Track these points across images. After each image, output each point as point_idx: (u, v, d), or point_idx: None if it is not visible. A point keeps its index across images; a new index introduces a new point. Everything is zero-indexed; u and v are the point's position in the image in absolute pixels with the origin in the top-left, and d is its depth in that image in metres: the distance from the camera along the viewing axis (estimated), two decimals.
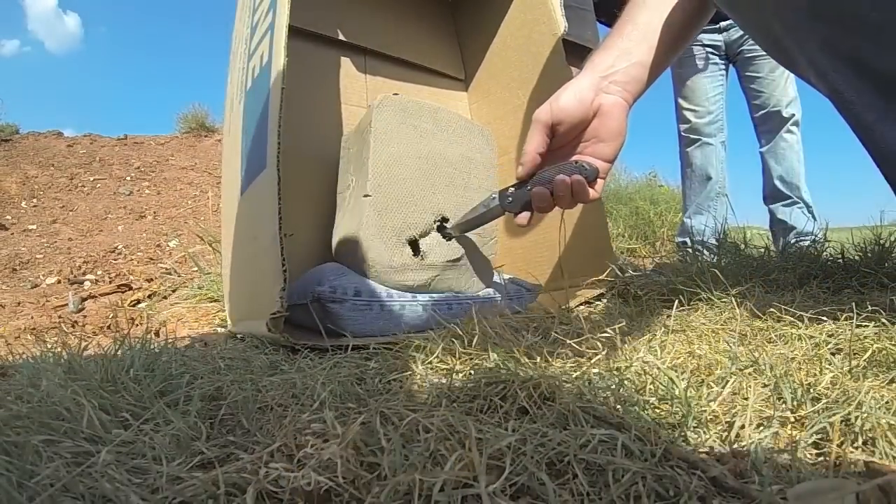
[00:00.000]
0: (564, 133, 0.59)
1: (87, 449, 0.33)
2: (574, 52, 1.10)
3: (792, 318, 0.53)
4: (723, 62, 1.53)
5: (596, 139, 0.59)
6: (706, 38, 1.50)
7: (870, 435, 0.31)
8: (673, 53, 0.60)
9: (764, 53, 1.40)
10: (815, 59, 0.43)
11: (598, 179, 0.59)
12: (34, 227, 2.32)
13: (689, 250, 1.23)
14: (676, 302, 0.61)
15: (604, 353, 0.48)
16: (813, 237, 1.18)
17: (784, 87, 1.43)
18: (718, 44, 1.51)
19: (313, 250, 0.95)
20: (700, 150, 1.52)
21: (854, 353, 0.44)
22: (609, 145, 0.58)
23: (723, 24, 1.49)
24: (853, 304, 0.50)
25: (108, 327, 1.14)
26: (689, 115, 1.53)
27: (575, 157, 0.59)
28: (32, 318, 1.22)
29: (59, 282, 1.66)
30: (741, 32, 1.42)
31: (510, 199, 0.65)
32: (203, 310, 1.17)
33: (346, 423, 0.33)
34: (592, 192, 0.58)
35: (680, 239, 1.58)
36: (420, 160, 0.85)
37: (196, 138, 3.70)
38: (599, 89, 0.57)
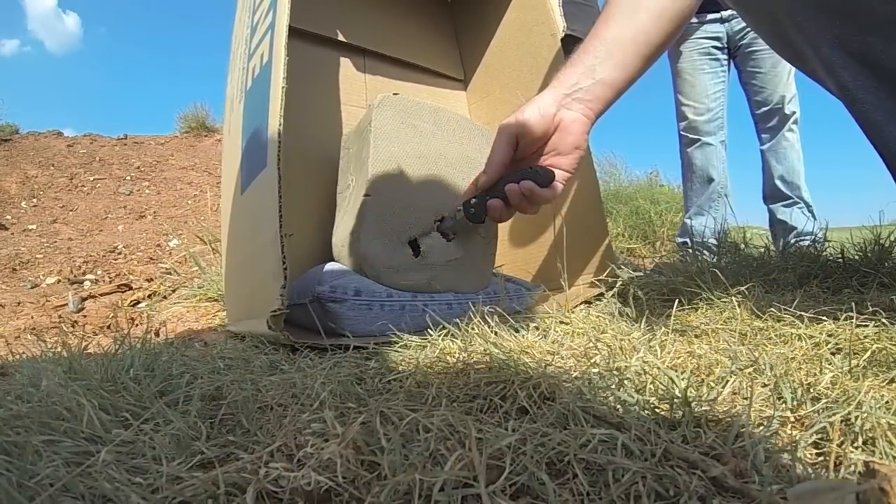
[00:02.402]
0: (527, 145, 0.62)
1: (87, 449, 0.33)
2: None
3: (792, 318, 0.53)
4: (724, 57, 1.52)
5: (555, 152, 0.62)
6: (708, 28, 1.49)
7: (870, 435, 0.31)
8: (644, 66, 0.61)
9: (765, 48, 1.40)
10: (824, 55, 0.43)
11: (556, 183, 0.62)
12: (34, 227, 2.32)
13: (690, 250, 1.23)
14: (676, 302, 0.61)
15: (604, 353, 0.48)
16: (813, 237, 1.18)
17: (786, 83, 1.42)
18: (720, 35, 1.49)
19: (313, 250, 0.95)
20: (700, 151, 1.51)
21: (854, 353, 0.44)
22: (567, 158, 0.62)
23: (724, 13, 1.47)
24: (853, 304, 0.50)
25: (108, 327, 1.14)
26: (687, 111, 1.52)
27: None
28: (32, 318, 1.22)
29: (59, 282, 1.66)
30: (744, 23, 1.41)
31: (472, 209, 0.67)
32: (203, 310, 1.17)
33: (346, 423, 0.33)
34: (546, 193, 0.61)
35: (681, 239, 1.58)
36: (420, 160, 0.85)
37: (196, 138, 3.70)
38: (561, 105, 0.60)
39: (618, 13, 0.59)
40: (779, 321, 0.55)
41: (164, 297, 1.36)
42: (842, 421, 0.33)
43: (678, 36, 0.64)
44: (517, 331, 0.58)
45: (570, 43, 1.07)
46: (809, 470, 0.28)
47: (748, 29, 1.42)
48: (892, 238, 0.83)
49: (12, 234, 2.23)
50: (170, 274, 1.54)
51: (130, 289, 1.50)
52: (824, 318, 0.52)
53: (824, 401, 0.36)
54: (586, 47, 0.60)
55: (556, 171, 0.61)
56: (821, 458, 0.30)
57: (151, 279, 1.60)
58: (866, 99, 0.42)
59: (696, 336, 0.54)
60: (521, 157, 0.64)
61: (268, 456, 0.29)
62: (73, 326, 1.15)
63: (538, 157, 0.63)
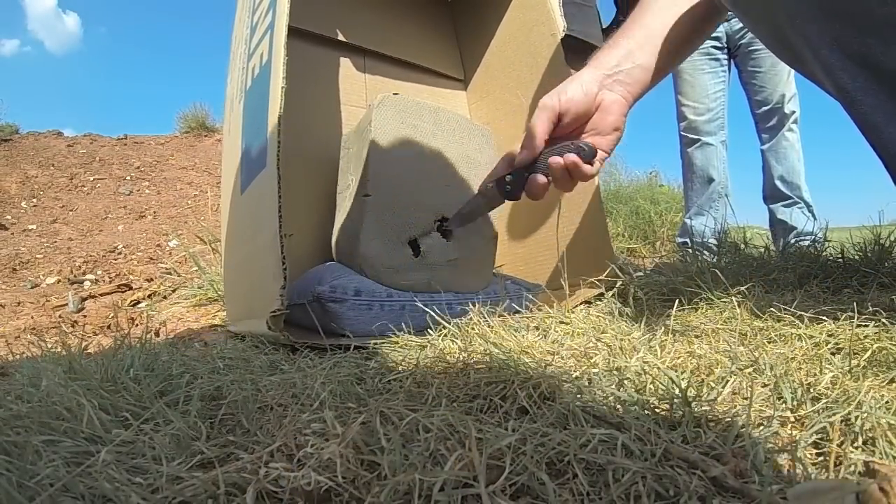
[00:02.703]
0: (569, 123, 0.60)
1: (87, 449, 0.33)
2: (579, 50, 1.09)
3: (792, 318, 0.53)
4: (724, 57, 1.52)
5: (594, 131, 0.61)
6: None
7: (870, 435, 0.31)
8: (678, 57, 0.61)
9: (765, 47, 1.40)
10: (823, 57, 0.43)
11: (596, 161, 0.61)
12: (34, 227, 2.32)
13: (690, 250, 1.23)
14: (676, 302, 0.61)
15: (604, 353, 0.48)
16: (813, 237, 1.18)
17: (786, 83, 1.42)
18: (719, 34, 1.49)
19: (313, 250, 0.95)
20: (701, 151, 1.51)
21: (854, 353, 0.44)
22: (606, 139, 0.61)
23: None
24: (853, 304, 0.50)
25: (108, 327, 1.14)
26: (687, 111, 1.52)
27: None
28: (32, 318, 1.22)
29: (59, 282, 1.66)
30: None
31: (509, 186, 0.65)
32: (203, 310, 1.17)
33: (346, 423, 0.33)
34: (589, 168, 0.60)
35: (681, 239, 1.58)
36: (420, 160, 0.85)
37: (196, 138, 3.70)
38: (603, 86, 0.60)
39: (657, 3, 0.59)
40: (779, 321, 0.55)
41: (164, 297, 1.36)
42: (842, 421, 0.33)
43: (711, 31, 0.64)
44: (517, 331, 0.58)
45: (572, 44, 1.07)
46: (809, 470, 0.28)
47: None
48: (892, 238, 0.83)
49: (12, 234, 2.23)
50: (170, 274, 1.54)
51: (130, 289, 1.50)
52: (824, 318, 0.52)
53: (824, 401, 0.36)
54: (625, 32, 0.60)
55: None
56: (821, 458, 0.30)
57: (151, 279, 1.60)
58: (865, 101, 0.41)
59: (696, 336, 0.54)
60: (558, 135, 0.62)
61: (268, 456, 0.29)
62: (73, 326, 1.16)
63: (577, 137, 0.62)
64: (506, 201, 0.69)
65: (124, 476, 0.28)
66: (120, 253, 1.98)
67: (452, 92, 1.33)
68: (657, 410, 0.36)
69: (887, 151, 0.42)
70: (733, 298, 0.60)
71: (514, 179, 0.64)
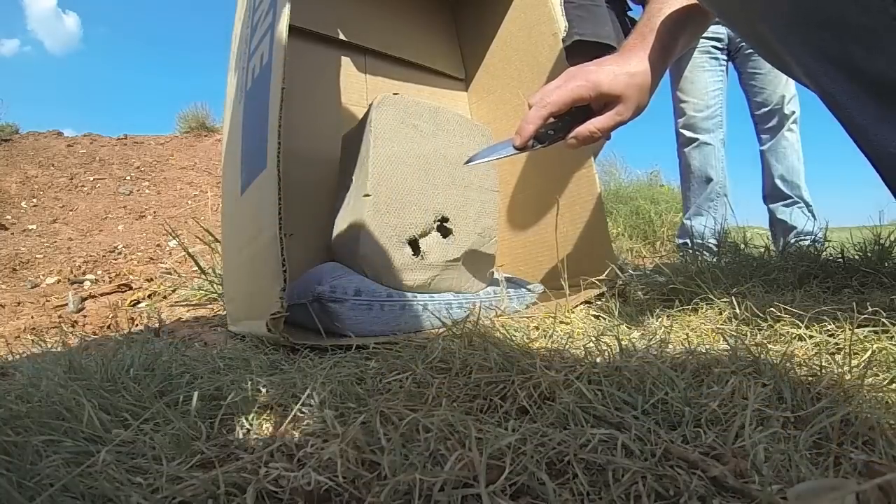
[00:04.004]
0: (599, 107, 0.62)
1: (87, 449, 0.33)
2: (594, 51, 1.09)
3: (792, 318, 0.53)
4: (723, 57, 1.52)
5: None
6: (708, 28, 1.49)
7: (870, 435, 0.31)
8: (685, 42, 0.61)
9: None
10: (805, 63, 0.43)
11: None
12: (34, 227, 2.32)
13: (690, 251, 1.23)
14: (676, 302, 0.61)
15: (604, 353, 0.48)
16: (813, 237, 1.18)
17: (786, 84, 1.42)
18: (720, 35, 1.49)
19: (313, 250, 0.95)
20: (698, 151, 1.51)
21: (854, 353, 0.44)
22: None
23: None
24: (853, 304, 0.50)
25: (108, 327, 1.14)
26: (685, 107, 1.52)
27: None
28: (32, 318, 1.22)
29: (59, 282, 1.66)
30: None
31: (552, 130, 0.63)
32: (203, 310, 1.17)
33: (346, 423, 0.33)
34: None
35: (680, 240, 1.58)
36: (420, 160, 0.85)
37: (196, 138, 3.70)
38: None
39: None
40: (779, 321, 0.55)
41: (164, 297, 1.36)
42: (842, 421, 0.33)
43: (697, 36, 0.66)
44: (517, 331, 0.58)
45: (585, 48, 1.07)
46: (809, 470, 0.28)
47: None
48: (892, 238, 0.82)
49: (12, 234, 2.23)
50: (170, 274, 1.54)
51: (130, 289, 1.50)
52: (824, 318, 0.52)
53: (824, 401, 0.36)
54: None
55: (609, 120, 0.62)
56: (821, 458, 0.30)
57: (151, 279, 1.60)
58: (850, 104, 0.41)
59: (697, 336, 0.54)
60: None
61: (268, 456, 0.29)
62: (73, 326, 1.16)
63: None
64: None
65: (124, 476, 0.28)
66: (120, 253, 1.98)
67: (453, 92, 1.33)
68: (657, 410, 0.36)
69: (875, 153, 0.42)
70: (733, 298, 0.60)
71: (560, 125, 0.63)
